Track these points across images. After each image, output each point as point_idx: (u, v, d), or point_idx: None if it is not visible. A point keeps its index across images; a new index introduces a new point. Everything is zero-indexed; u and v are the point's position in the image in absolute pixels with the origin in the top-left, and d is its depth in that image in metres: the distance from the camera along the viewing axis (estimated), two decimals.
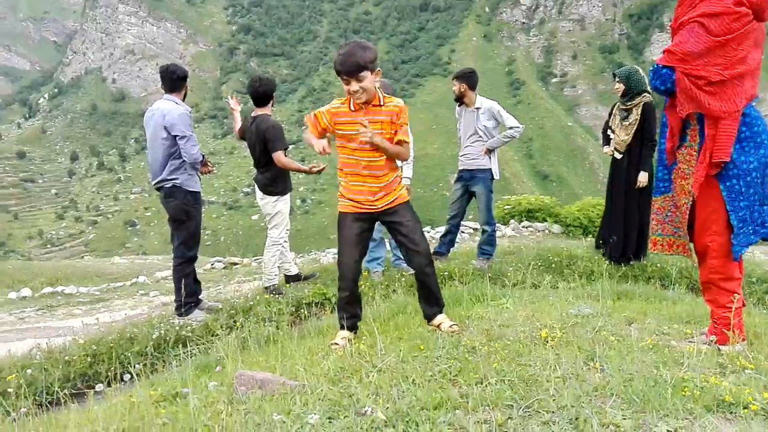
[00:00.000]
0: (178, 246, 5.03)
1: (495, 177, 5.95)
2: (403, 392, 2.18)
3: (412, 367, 2.46)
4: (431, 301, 3.29)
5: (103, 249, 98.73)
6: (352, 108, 3.06)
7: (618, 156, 6.02)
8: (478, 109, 5.86)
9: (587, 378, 2.25)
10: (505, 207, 10.87)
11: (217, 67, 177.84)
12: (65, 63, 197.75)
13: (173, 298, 5.20)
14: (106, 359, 4.19)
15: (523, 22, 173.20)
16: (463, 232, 9.36)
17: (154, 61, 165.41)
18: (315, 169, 5.57)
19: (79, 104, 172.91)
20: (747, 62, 2.56)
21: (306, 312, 4.95)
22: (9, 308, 6.77)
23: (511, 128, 5.86)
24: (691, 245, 2.89)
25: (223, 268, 8.87)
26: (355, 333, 3.26)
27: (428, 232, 9.88)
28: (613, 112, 6.15)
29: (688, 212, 2.81)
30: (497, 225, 7.56)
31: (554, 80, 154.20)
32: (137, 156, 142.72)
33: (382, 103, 3.08)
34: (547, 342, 2.70)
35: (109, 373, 3.90)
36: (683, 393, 2.03)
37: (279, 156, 5.29)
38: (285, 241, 5.73)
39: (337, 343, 3.07)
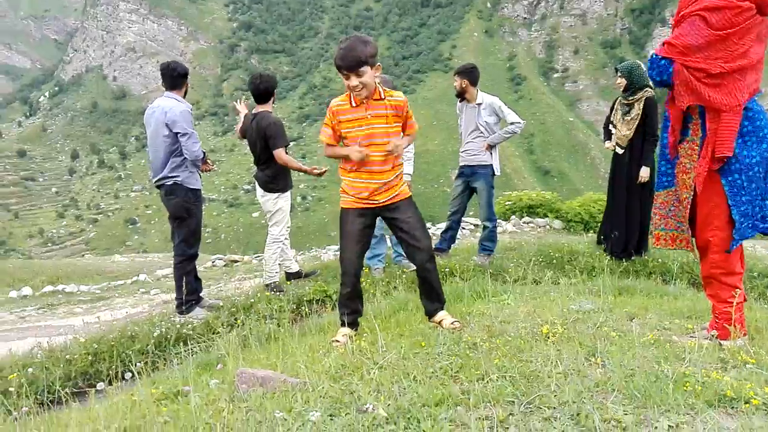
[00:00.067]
0: (178, 244, 5.03)
1: (496, 173, 5.94)
2: (405, 389, 2.18)
3: (414, 363, 2.46)
4: (432, 297, 3.29)
5: (104, 247, 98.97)
6: (353, 104, 3.06)
7: (619, 151, 6.01)
8: (479, 104, 5.84)
9: (588, 374, 2.24)
10: (506, 203, 10.86)
11: (217, 64, 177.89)
12: (66, 61, 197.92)
13: (174, 296, 5.20)
14: (107, 358, 4.20)
15: (525, 18, 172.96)
16: (464, 228, 9.36)
17: (155, 59, 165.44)
18: (317, 171, 5.56)
19: (80, 102, 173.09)
20: (748, 56, 2.54)
21: (307, 309, 4.95)
22: (10, 307, 6.78)
23: (512, 124, 5.84)
24: (693, 240, 2.88)
25: (224, 265, 8.88)
26: (356, 329, 3.26)
27: (429, 228, 9.88)
28: (615, 107, 6.13)
29: (689, 207, 2.80)
30: (498, 221, 7.56)
31: (556, 75, 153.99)
32: (138, 154, 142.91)
33: (383, 97, 3.07)
34: (549, 338, 2.69)
35: (110, 372, 3.92)
36: (685, 388, 2.02)
37: (280, 153, 5.28)
38: (286, 239, 5.73)
39: (338, 340, 3.06)
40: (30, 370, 3.86)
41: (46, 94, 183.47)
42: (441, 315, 3.22)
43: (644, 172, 5.79)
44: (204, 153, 5.06)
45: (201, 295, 5.27)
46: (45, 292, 7.87)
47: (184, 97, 5.08)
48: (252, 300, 5.16)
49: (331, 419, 1.98)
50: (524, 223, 9.90)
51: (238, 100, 5.95)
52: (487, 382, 2.19)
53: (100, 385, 2.84)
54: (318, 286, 5.46)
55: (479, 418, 1.92)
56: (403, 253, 4.66)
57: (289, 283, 5.83)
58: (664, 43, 2.67)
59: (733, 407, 1.94)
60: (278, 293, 5.35)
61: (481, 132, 5.86)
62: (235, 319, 4.67)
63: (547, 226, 9.77)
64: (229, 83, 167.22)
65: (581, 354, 2.44)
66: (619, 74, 5.90)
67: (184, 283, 4.92)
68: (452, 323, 3.10)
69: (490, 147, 5.86)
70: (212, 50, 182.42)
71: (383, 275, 5.66)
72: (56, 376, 3.79)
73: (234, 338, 3.36)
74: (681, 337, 2.82)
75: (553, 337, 2.69)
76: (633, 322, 3.10)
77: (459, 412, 1.96)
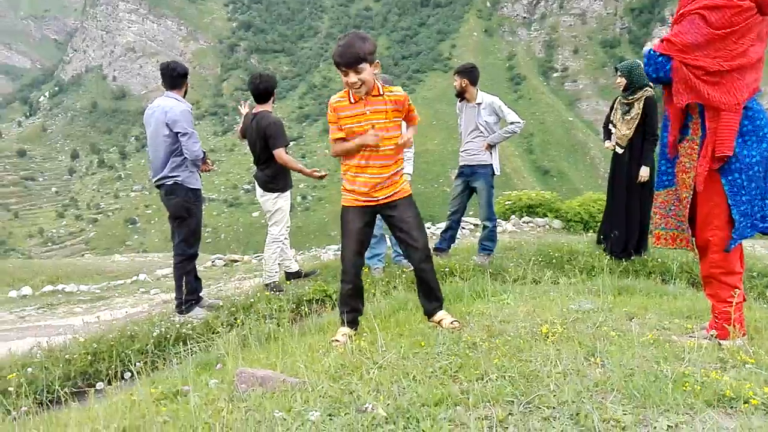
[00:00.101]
0: (178, 243, 5.03)
1: (496, 172, 5.94)
2: (404, 389, 2.18)
3: (413, 363, 2.46)
4: (430, 296, 3.29)
5: (104, 247, 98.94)
6: (352, 100, 3.06)
7: (619, 151, 6.01)
8: (479, 104, 5.84)
9: (588, 373, 2.24)
10: (506, 202, 10.87)
11: (217, 64, 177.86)
12: (66, 61, 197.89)
13: (174, 295, 5.20)
14: (107, 357, 4.20)
15: (524, 17, 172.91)
16: (463, 228, 9.36)
17: (155, 59, 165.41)
18: (317, 175, 5.55)
19: (80, 102, 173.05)
20: (748, 55, 2.54)
21: (306, 309, 4.95)
22: (9, 307, 6.78)
23: (512, 123, 5.84)
24: (693, 239, 2.88)
25: (224, 265, 8.88)
26: (356, 328, 3.26)
27: (429, 228, 9.88)
28: (615, 106, 6.13)
29: (688, 206, 2.80)
30: (498, 221, 7.56)
31: (555, 75, 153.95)
32: (137, 154, 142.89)
33: (381, 93, 3.07)
34: (548, 338, 2.69)
35: (110, 372, 3.92)
36: (684, 388, 2.02)
37: (280, 153, 5.28)
38: (285, 238, 5.73)
39: (337, 340, 3.07)
40: (29, 369, 3.86)
41: (46, 94, 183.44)
42: (440, 315, 3.22)
43: (644, 172, 5.79)
44: (204, 153, 5.06)
45: (201, 294, 5.27)
46: (45, 291, 7.87)
47: (184, 96, 5.08)
48: (252, 300, 5.15)
49: (331, 419, 1.98)
50: (524, 222, 9.90)
51: (242, 102, 5.93)
52: (487, 381, 2.19)
53: (100, 385, 2.84)
54: (318, 285, 5.46)
55: (478, 417, 1.92)
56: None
57: (288, 282, 5.83)
58: (662, 40, 2.66)
59: (732, 407, 1.94)
60: (278, 293, 5.35)
61: (481, 132, 5.86)
62: (235, 319, 4.66)
63: (547, 226, 9.77)
64: (228, 83, 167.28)
65: (581, 354, 2.44)
66: (618, 74, 5.90)
67: (183, 283, 4.92)
68: (451, 323, 3.10)
69: (490, 147, 5.86)
70: (212, 50, 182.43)
71: (383, 275, 5.66)
72: (56, 375, 3.78)
73: (233, 338, 3.36)
74: (680, 336, 2.82)
75: (553, 336, 2.69)
76: (632, 321, 3.10)
77: (458, 411, 1.96)
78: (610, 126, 6.17)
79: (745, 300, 2.83)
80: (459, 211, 6.24)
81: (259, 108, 5.45)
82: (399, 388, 2.19)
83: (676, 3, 2.72)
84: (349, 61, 2.89)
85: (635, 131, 5.83)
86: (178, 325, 4.67)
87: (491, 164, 5.90)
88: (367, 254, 5.47)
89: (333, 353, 2.76)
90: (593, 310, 3.27)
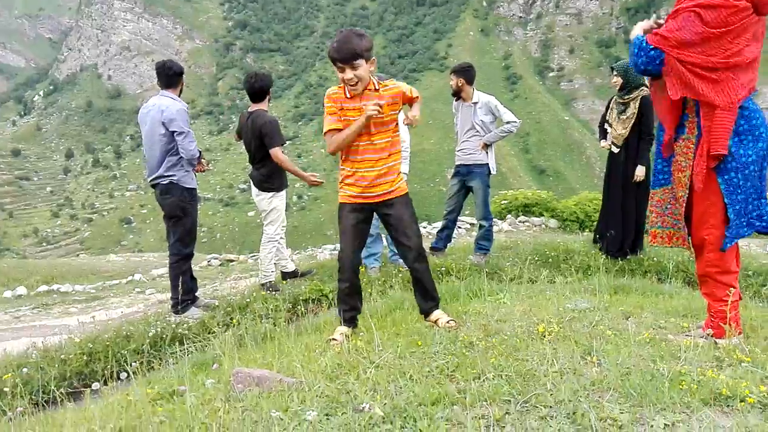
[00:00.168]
0: (174, 243, 5.02)
1: (492, 172, 5.94)
2: (401, 388, 2.18)
3: (410, 362, 2.46)
4: (426, 295, 3.29)
5: (99, 247, 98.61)
6: (348, 95, 3.06)
7: (615, 150, 6.02)
8: (475, 103, 5.85)
9: (584, 372, 2.24)
10: (502, 202, 10.89)
11: (213, 63, 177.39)
12: (60, 60, 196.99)
13: (169, 295, 5.19)
14: (103, 357, 4.18)
15: (520, 17, 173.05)
16: (460, 227, 9.37)
17: (150, 58, 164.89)
18: (312, 179, 5.53)
19: (75, 101, 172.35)
20: (743, 55, 2.54)
21: (303, 309, 4.93)
22: (4, 307, 6.75)
23: (508, 123, 5.85)
24: (689, 238, 2.89)
25: (220, 265, 8.86)
26: (354, 327, 3.26)
27: (425, 227, 9.90)
28: (611, 105, 6.14)
29: (684, 204, 2.80)
30: (494, 220, 7.57)
31: (551, 74, 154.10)
32: (132, 153, 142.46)
33: (377, 88, 3.06)
34: (545, 337, 2.70)
35: (106, 372, 3.90)
36: (680, 386, 2.03)
37: (276, 152, 5.27)
38: (281, 238, 5.72)
39: (335, 339, 3.06)
40: (25, 370, 3.85)
41: (41, 93, 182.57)
42: (437, 314, 3.22)
43: (640, 171, 5.81)
44: (200, 152, 5.05)
45: (197, 294, 5.26)
46: (40, 291, 7.84)
47: (179, 95, 5.07)
48: (248, 299, 5.15)
49: (328, 419, 1.98)
50: (520, 222, 9.92)
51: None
52: (484, 381, 2.19)
53: (96, 385, 2.83)
54: (314, 285, 5.46)
55: (475, 417, 1.92)
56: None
57: (284, 282, 5.82)
58: (656, 34, 2.66)
59: (728, 405, 1.95)
60: (274, 292, 5.34)
61: (477, 131, 5.86)
62: (231, 319, 4.65)
63: (543, 225, 9.79)
64: (224, 82, 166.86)
65: (577, 353, 2.44)
66: (614, 73, 5.91)
67: (179, 283, 4.91)
68: (448, 322, 3.10)
69: (486, 146, 5.86)
70: (207, 49, 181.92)
71: (379, 274, 5.65)
72: (51, 376, 3.77)
73: (230, 338, 3.35)
74: (676, 335, 2.82)
75: (549, 335, 2.70)
76: (629, 320, 3.11)
77: (455, 411, 1.96)
78: (606, 125, 6.17)
79: (740, 299, 2.83)
80: (455, 211, 6.24)
81: (255, 107, 5.43)
82: (396, 388, 2.18)
83: (671, 3, 2.71)
84: (346, 56, 2.89)
85: (631, 131, 5.85)
86: (174, 325, 4.66)
87: (487, 163, 5.90)
88: (363, 253, 5.45)
89: (330, 353, 2.76)
90: (589, 309, 3.28)
